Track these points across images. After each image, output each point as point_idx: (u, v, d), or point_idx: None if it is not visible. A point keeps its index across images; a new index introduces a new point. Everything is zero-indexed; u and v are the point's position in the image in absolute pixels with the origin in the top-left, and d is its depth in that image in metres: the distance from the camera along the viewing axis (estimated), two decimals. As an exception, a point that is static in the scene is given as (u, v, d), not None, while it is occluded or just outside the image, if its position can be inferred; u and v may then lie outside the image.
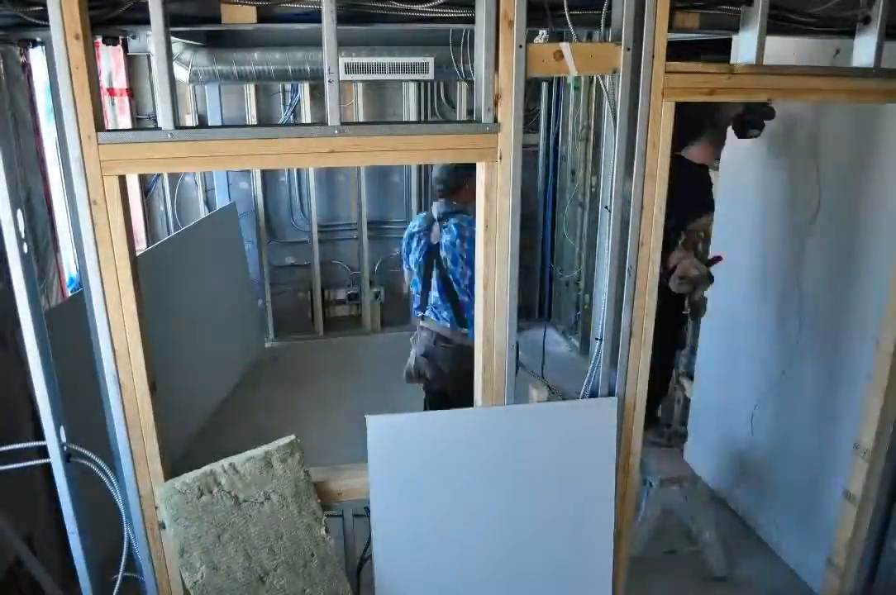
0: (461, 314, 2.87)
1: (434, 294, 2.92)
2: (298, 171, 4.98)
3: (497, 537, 1.99)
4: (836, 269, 2.56)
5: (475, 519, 1.97)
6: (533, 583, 2.05)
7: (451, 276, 2.85)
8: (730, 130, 2.68)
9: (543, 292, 5.44)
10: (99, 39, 1.92)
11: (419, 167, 5.07)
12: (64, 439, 1.73)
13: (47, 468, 1.76)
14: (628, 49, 1.67)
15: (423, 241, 2.96)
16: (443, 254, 2.86)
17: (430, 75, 4.08)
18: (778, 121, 2.65)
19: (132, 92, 4.50)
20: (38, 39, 1.80)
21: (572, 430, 1.97)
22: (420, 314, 3.00)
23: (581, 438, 1.97)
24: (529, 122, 4.99)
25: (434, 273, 2.90)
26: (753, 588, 2.79)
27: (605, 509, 2.02)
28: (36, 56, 3.00)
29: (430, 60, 4.00)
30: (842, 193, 2.52)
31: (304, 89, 4.75)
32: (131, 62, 4.47)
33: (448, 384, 2.95)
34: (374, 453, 1.86)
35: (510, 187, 1.72)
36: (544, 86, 5.01)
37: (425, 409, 3.11)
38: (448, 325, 2.91)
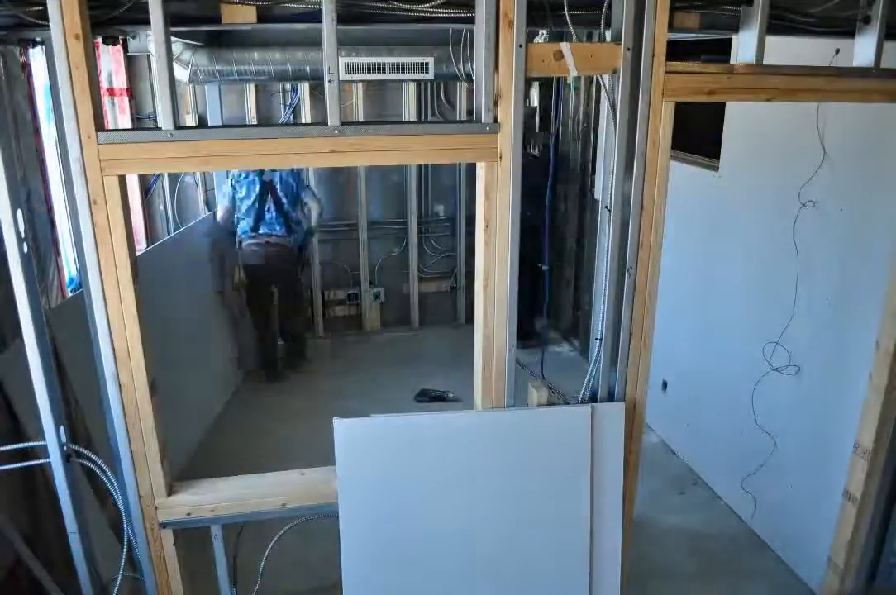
0: (290, 226, 4.38)
1: (269, 215, 4.32)
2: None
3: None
4: (837, 265, 2.56)
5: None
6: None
7: (284, 201, 4.34)
8: None
9: (543, 292, 5.43)
10: (99, 39, 1.93)
11: (419, 167, 5.07)
12: (64, 439, 1.73)
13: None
14: (628, 49, 1.67)
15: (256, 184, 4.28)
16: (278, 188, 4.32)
17: (430, 75, 4.06)
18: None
19: (132, 92, 4.50)
20: (38, 39, 1.80)
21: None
22: (251, 233, 4.31)
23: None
24: (530, 121, 4.99)
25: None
26: (753, 588, 2.79)
27: (614, 517, 1.99)
28: (36, 56, 3.00)
29: (430, 60, 3.99)
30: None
31: (304, 89, 4.75)
32: (131, 62, 4.46)
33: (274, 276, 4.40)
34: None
35: (510, 187, 1.72)
36: (543, 85, 5.01)
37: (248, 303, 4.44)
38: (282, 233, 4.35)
